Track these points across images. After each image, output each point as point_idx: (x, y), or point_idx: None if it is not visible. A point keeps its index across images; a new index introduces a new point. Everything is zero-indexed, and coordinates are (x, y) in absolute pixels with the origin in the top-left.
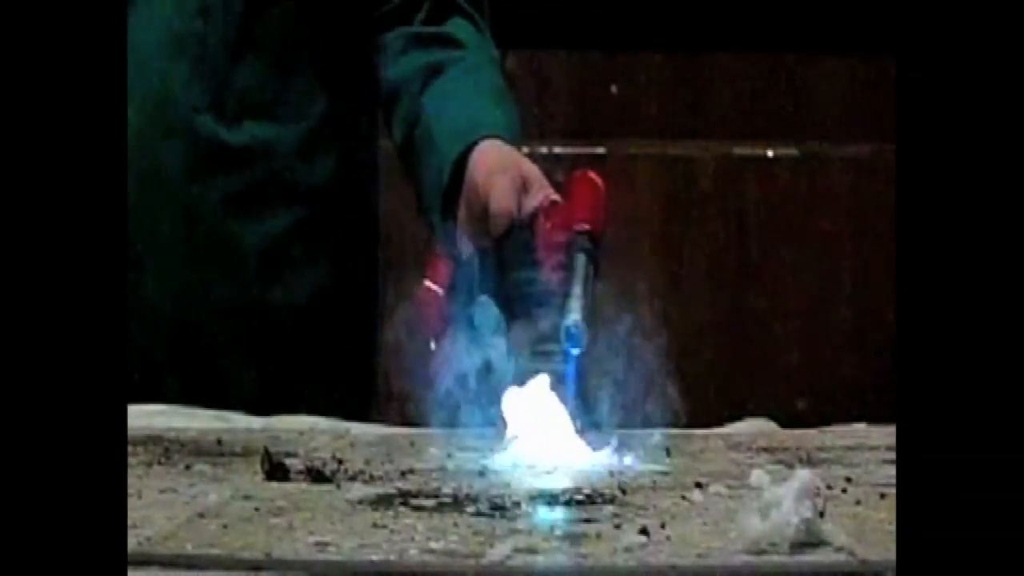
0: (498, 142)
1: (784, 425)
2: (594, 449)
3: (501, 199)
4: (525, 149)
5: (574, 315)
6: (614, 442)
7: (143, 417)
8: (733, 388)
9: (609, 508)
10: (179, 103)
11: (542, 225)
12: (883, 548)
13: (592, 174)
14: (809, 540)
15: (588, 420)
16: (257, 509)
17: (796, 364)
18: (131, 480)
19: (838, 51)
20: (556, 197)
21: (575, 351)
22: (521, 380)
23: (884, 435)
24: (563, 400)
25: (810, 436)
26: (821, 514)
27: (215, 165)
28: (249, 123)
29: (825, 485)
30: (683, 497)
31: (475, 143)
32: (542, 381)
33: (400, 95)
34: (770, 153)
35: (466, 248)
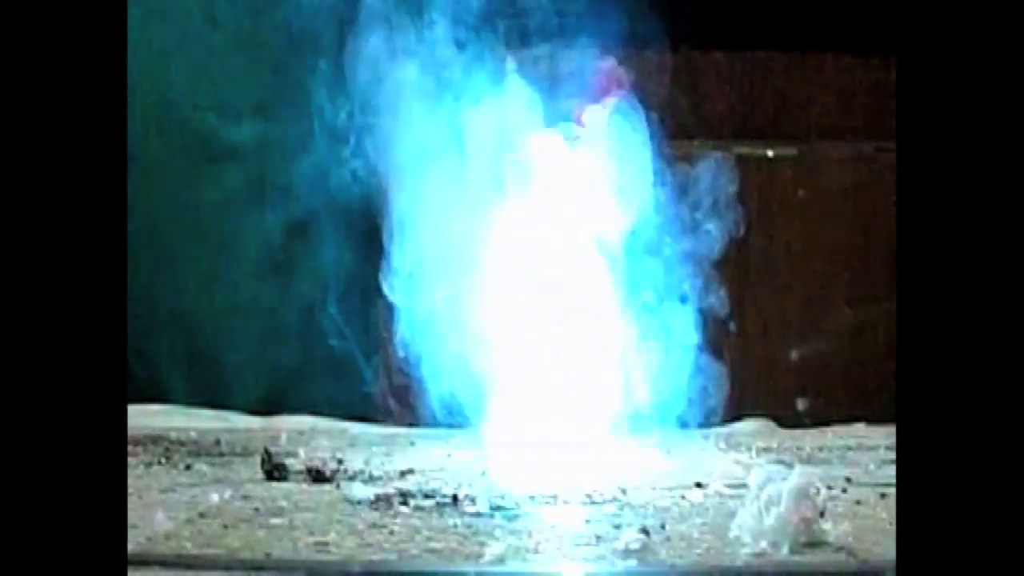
0: None
1: (784, 425)
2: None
3: None
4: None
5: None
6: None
7: (143, 417)
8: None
9: (609, 508)
10: (181, 101)
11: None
12: (883, 548)
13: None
14: (809, 540)
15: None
16: (257, 509)
17: (796, 364)
18: (132, 480)
19: (838, 51)
20: None
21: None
22: None
23: (884, 435)
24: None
25: (810, 436)
26: (821, 514)
27: (216, 162)
28: (250, 121)
29: (825, 485)
30: (683, 497)
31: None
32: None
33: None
34: (770, 153)
35: None
